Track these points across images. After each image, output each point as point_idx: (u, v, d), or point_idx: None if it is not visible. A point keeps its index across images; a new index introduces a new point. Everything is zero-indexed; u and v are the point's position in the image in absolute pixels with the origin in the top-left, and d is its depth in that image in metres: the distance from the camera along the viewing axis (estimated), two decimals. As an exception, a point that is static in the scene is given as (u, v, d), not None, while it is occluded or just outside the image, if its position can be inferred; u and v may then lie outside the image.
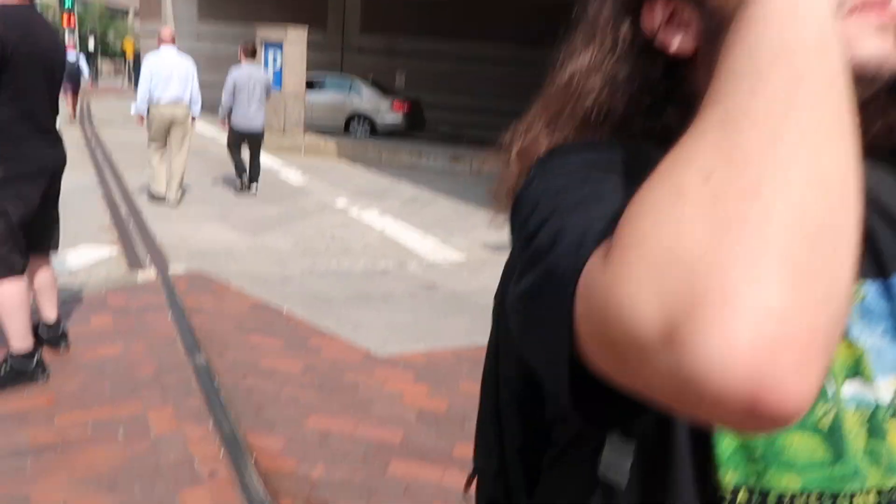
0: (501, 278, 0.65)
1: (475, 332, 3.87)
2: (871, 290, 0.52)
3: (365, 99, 15.04)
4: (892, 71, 0.50)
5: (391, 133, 14.72)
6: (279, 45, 11.58)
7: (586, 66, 0.59)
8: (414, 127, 15.35)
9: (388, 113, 14.92)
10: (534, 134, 0.62)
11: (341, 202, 8.21)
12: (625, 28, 0.58)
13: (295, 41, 11.65)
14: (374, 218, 7.50)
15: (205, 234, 6.31)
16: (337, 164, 11.44)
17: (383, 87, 15.68)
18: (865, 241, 0.43)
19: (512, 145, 0.65)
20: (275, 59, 11.60)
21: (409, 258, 5.99)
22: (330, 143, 12.27)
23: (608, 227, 0.39)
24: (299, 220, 7.13)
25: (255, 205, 7.73)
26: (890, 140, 0.56)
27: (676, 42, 0.55)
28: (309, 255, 5.88)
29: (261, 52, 11.05)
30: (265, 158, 8.81)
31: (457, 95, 18.30)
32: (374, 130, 14.79)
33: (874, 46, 0.49)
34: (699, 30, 0.54)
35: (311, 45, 12.11)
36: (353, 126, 14.95)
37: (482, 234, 6.64)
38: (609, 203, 0.44)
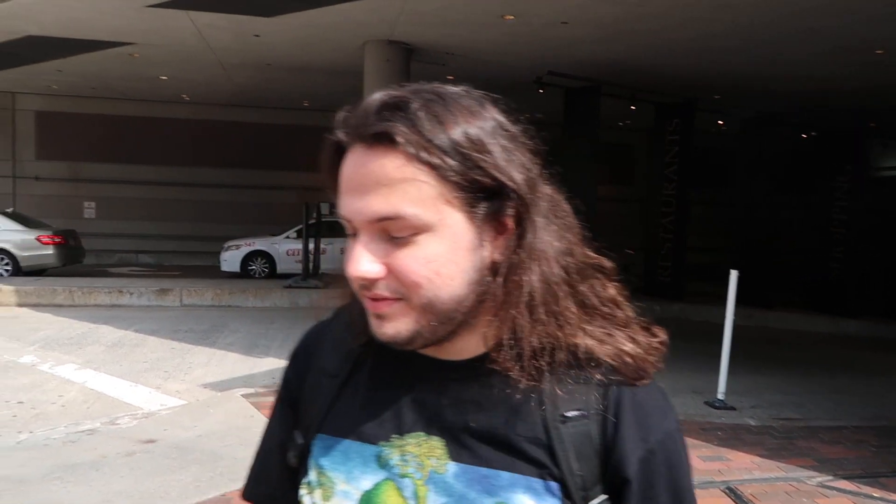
0: None
1: (206, 483, 3.66)
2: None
3: (3, 233, 12.96)
4: (401, 342, 0.69)
5: (41, 271, 13.02)
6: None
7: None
8: (71, 261, 13.69)
9: (35, 248, 12.98)
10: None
11: (28, 358, 6.84)
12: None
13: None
14: (71, 371, 6.34)
15: None
16: (17, 313, 9.74)
17: (26, 219, 13.72)
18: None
19: None
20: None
21: (119, 412, 5.15)
22: (6, 289, 10.48)
23: None
24: (-29, 387, 5.80)
25: None
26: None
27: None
28: (-10, 429, 4.81)
29: None
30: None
31: (155, 223, 17.77)
32: (18, 269, 12.80)
33: (374, 327, 0.70)
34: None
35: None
36: None
37: (202, 374, 6.28)
38: None
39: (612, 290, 0.76)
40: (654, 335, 0.76)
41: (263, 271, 14.08)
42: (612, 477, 0.70)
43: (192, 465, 3.99)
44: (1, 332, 8.11)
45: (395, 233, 0.65)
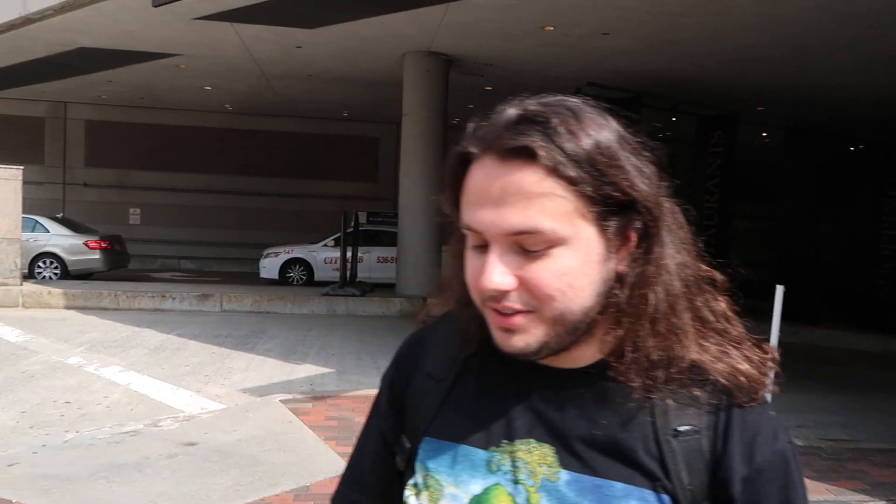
0: None
1: (245, 488, 3.74)
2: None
3: (53, 238, 13.42)
4: (529, 353, 0.69)
5: (88, 275, 13.39)
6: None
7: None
8: (116, 266, 14.17)
9: (83, 253, 13.44)
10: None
11: (75, 360, 6.98)
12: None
13: (6, 179, 10.57)
14: (116, 373, 6.46)
15: None
16: (65, 315, 10.00)
17: (75, 224, 14.24)
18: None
19: None
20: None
21: (161, 414, 5.21)
22: (55, 292, 10.79)
23: None
24: (22, 386, 5.90)
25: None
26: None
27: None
28: (39, 427, 4.85)
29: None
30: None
31: (197, 229, 18.20)
32: (66, 273, 13.27)
33: (500, 340, 0.69)
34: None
35: (24, 181, 10.94)
36: (39, 268, 13.26)
37: (241, 378, 6.43)
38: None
39: (723, 304, 0.76)
40: (766, 352, 0.76)
41: (301, 279, 14.26)
42: (717, 494, 0.70)
43: (231, 468, 4.04)
44: (50, 334, 8.34)
45: (530, 246, 0.65)
